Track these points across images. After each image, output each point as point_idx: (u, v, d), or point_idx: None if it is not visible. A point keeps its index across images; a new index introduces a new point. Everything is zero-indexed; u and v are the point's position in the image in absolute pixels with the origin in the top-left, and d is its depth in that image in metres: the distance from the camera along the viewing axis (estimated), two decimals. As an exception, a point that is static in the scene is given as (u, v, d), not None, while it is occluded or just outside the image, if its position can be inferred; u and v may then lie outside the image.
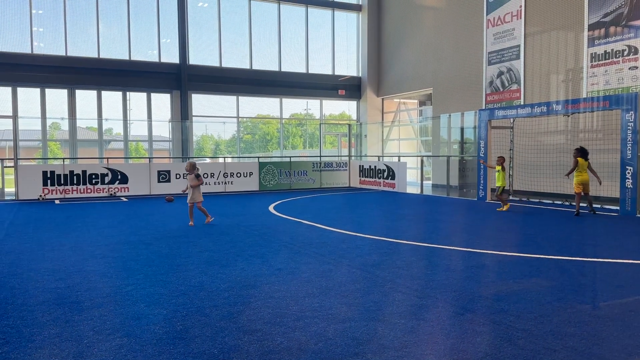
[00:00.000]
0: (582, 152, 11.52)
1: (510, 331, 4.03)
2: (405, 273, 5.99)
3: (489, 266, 6.42)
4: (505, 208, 12.38)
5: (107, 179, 16.25)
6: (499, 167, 12.58)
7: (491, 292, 5.16)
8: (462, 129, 18.76)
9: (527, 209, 12.91)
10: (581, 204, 11.72)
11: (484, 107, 17.61)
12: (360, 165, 20.18)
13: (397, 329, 4.06)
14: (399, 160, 19.18)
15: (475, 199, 15.10)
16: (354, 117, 25.00)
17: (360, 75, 24.45)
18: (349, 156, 22.66)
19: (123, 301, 4.90)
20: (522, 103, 16.21)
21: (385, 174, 18.71)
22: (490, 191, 14.13)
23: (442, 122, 20.08)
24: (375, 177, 19.24)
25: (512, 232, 9.55)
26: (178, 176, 17.17)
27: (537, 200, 14.31)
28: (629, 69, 13.38)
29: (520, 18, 16.56)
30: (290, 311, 4.53)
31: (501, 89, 17.49)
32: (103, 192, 16.18)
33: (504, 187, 12.60)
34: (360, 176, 19.99)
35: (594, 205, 11.90)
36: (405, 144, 24.37)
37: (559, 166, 14.17)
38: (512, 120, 15.34)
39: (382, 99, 24.27)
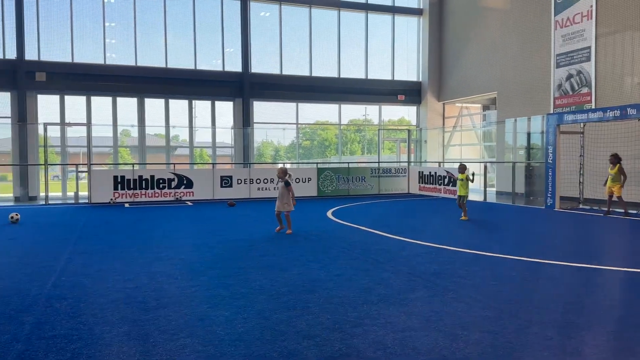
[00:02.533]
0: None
1: (580, 346, 3.82)
2: (467, 283, 5.82)
3: (557, 277, 6.13)
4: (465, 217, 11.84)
5: (173, 184, 16.88)
6: (464, 176, 12.13)
7: (559, 305, 4.91)
8: (528, 134, 18.06)
9: (596, 218, 12.24)
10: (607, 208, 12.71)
11: (552, 112, 16.88)
12: (419, 172, 19.86)
13: (459, 341, 3.94)
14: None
15: (543, 207, 14.49)
16: (414, 122, 24.68)
17: (420, 79, 24.13)
18: (408, 162, 22.37)
19: (187, 302, 5.05)
20: (593, 107, 15.41)
21: (446, 180, 18.31)
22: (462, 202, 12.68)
23: (507, 127, 19.43)
24: (435, 184, 18.87)
25: (581, 241, 9.07)
26: (239, 181, 17.57)
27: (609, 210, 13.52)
28: None
29: (591, 18, 15.78)
30: (348, 318, 4.50)
31: (570, 93, 16.72)
32: (169, 196, 16.82)
33: (464, 196, 12.08)
34: (419, 182, 19.68)
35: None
36: (468, 150, 23.76)
37: (634, 174, 13.35)
38: (582, 125, 14.62)
39: (444, 103, 23.81)
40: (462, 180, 12.07)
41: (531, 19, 18.28)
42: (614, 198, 12.49)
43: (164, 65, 20.34)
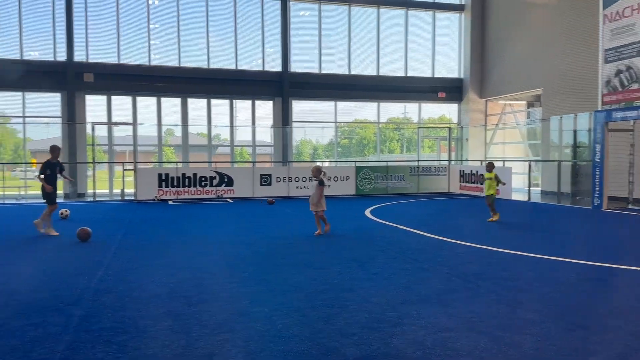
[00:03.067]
0: None
1: (627, 350, 3.68)
2: (510, 285, 5.69)
3: (604, 280, 5.92)
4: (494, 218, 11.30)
5: (215, 182, 17.21)
6: (492, 175, 11.51)
7: (606, 309, 4.74)
8: (575, 132, 17.46)
9: (650, 219, 11.73)
10: None
11: (600, 109, 16.28)
12: (460, 170, 19.53)
13: (500, 343, 3.87)
14: (503, 165, 18.28)
15: (590, 208, 14.00)
16: (455, 120, 24.27)
17: (462, 76, 23.70)
18: (449, 161, 22.03)
19: (228, 297, 5.15)
20: (645, 103, 14.75)
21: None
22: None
23: (552, 125, 18.84)
24: (477, 183, 18.50)
25: (629, 243, 8.72)
26: (279, 179, 17.74)
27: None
28: None
29: (644, 10, 15.09)
30: (387, 317, 4.48)
31: (620, 89, 16.05)
32: (211, 193, 17.15)
33: (492, 195, 11.44)
34: (460, 181, 19.34)
35: None
36: (511, 148, 23.19)
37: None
38: (632, 122, 14.02)
39: (486, 100, 23.31)
40: (489, 179, 11.54)
41: (578, 13, 17.66)
42: None
43: (206, 66, 20.73)
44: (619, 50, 16.10)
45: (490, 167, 11.72)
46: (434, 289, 5.44)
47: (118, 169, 19.81)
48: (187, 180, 16.97)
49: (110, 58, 19.81)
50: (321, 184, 9.33)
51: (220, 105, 21.38)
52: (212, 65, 20.81)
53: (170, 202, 16.18)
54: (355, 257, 7.27)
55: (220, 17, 20.97)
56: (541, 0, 19.65)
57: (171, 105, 20.80)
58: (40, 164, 9.50)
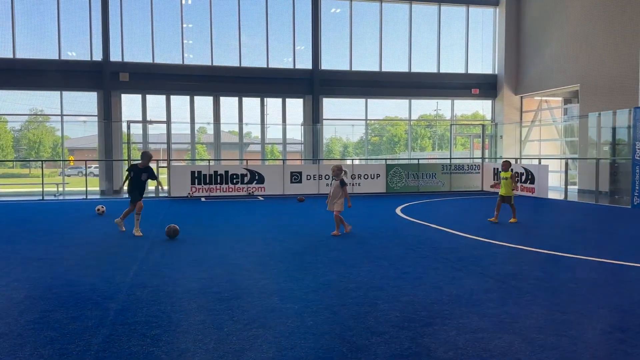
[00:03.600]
0: None
1: (672, 358, 3.54)
2: (545, 285, 5.56)
3: (645, 283, 5.72)
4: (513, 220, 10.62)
5: (246, 179, 17.38)
6: (508, 174, 10.74)
7: (648, 312, 4.58)
8: (614, 129, 16.92)
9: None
10: None
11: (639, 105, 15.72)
12: (494, 168, 19.17)
13: (534, 345, 3.78)
14: (539, 162, 17.86)
15: (629, 207, 13.55)
16: (488, 117, 23.84)
17: (496, 72, 23.26)
18: (482, 158, 21.66)
19: (259, 294, 5.19)
20: (689, 99, 14.18)
21: (524, 177, 17.55)
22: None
23: (590, 122, 18.31)
24: (510, 181, 18.12)
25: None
26: (309, 177, 17.79)
27: None
28: None
29: (689, 2, 14.51)
30: (418, 316, 4.44)
31: (663, 84, 15.46)
32: (242, 191, 17.33)
33: (509, 196, 10.67)
34: (494, 180, 19.00)
35: None
36: (547, 146, 22.64)
37: None
38: (676, 118, 13.50)
39: (521, 97, 22.81)
40: (505, 179, 10.78)
41: (617, 8, 17.08)
42: None
43: (237, 65, 20.93)
44: (661, 44, 15.51)
45: (506, 165, 11.02)
46: (466, 289, 5.36)
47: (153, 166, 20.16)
48: (219, 177, 17.19)
49: (144, 57, 20.22)
50: (343, 184, 8.92)
51: (251, 103, 21.57)
52: (244, 64, 21.00)
53: (203, 199, 16.42)
54: (386, 255, 7.23)
55: (252, 16, 21.14)
56: (579, -6, 19.09)
57: (203, 103, 21.10)
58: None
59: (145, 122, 20.29)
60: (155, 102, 20.69)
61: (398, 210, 13.02)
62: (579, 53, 19.07)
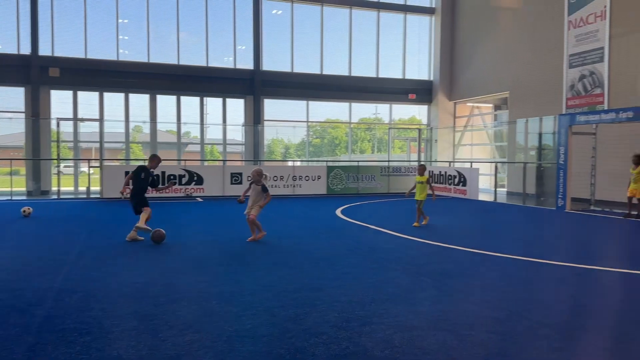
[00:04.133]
0: None
1: (589, 348, 3.79)
2: (476, 283, 5.80)
3: (567, 279, 6.09)
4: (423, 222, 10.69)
5: (184, 180, 16.98)
6: (425, 178, 10.69)
7: (568, 307, 4.88)
8: (540, 135, 17.91)
9: (607, 219, 12.12)
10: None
11: (564, 112, 16.74)
12: (430, 171, 19.79)
13: (466, 341, 3.93)
14: (471, 166, 18.62)
15: (554, 208, 14.38)
16: (424, 121, 24.59)
17: (432, 78, 24.03)
18: (419, 161, 22.28)
19: (196, 297, 5.08)
20: (605, 108, 15.26)
21: (456, 180, 18.23)
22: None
23: (518, 127, 19.28)
24: (445, 183, 18.80)
25: (593, 244, 9.00)
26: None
27: (621, 212, 13.39)
28: None
29: (605, 19, 15.61)
30: (356, 316, 4.51)
31: (583, 93, 16.56)
32: (180, 192, 16.91)
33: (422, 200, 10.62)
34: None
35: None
36: (478, 150, 23.63)
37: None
38: (594, 126, 14.47)
39: (455, 103, 23.70)
40: (421, 183, 10.63)
41: (544, 19, 18.12)
42: (634, 201, 12.27)
43: (176, 62, 20.43)
44: (582, 56, 16.61)
45: (422, 169, 10.88)
46: (402, 288, 5.50)
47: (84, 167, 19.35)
48: (155, 178, 16.65)
49: (77, 52, 19.34)
50: (265, 189, 8.57)
51: (190, 103, 21.12)
52: (182, 62, 20.53)
53: (138, 201, 15.86)
54: (326, 256, 7.28)
55: (191, 14, 20.71)
56: (509, 6, 20.09)
57: (139, 101, 20.43)
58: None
59: (76, 119, 19.39)
60: (88, 99, 19.82)
61: (338, 212, 13.16)
62: (508, 62, 20.05)
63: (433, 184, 18.82)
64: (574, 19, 16.86)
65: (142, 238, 8.67)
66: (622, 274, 6.36)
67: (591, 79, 16.25)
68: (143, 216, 8.65)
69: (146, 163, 9.52)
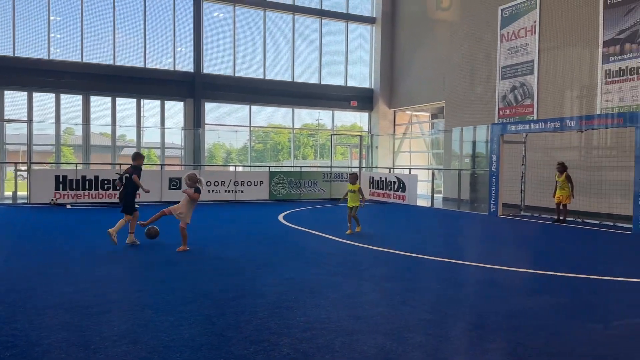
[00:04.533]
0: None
1: (520, 348, 3.97)
2: (414, 286, 5.94)
3: (500, 282, 6.35)
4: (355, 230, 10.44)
5: (118, 186, 16.33)
6: (357, 187, 10.45)
7: (502, 309, 5.09)
8: (474, 143, 18.68)
9: (539, 225, 12.78)
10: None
11: (496, 122, 17.53)
12: (370, 177, 20.14)
13: (405, 344, 4.01)
14: (409, 172, 19.12)
15: (486, 214, 15.00)
16: (366, 128, 25.02)
17: (372, 87, 24.50)
18: (360, 167, 22.62)
19: (131, 307, 4.90)
20: (535, 118, 16.12)
21: (396, 186, 18.65)
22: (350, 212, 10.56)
23: (454, 136, 20.02)
24: (385, 189, 19.18)
25: (523, 248, 9.44)
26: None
27: (549, 217, 14.16)
28: (644, 86, 13.25)
29: (535, 33, 16.52)
30: (297, 322, 4.50)
31: (514, 104, 17.41)
32: (114, 197, 16.27)
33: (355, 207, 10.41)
34: (370, 188, 19.94)
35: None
36: (417, 157, 24.30)
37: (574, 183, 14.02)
38: (524, 135, 15.25)
39: (394, 111, 24.27)
40: (352, 192, 10.43)
41: (479, 32, 18.94)
42: (561, 206, 12.99)
43: (111, 63, 19.71)
44: (514, 68, 17.48)
45: (354, 178, 10.65)
46: (343, 293, 5.54)
47: (10, 169, 18.26)
48: (87, 182, 15.98)
49: (4, 50, 18.24)
50: (198, 190, 8.24)
51: (126, 105, 20.41)
52: (119, 62, 19.83)
53: (69, 206, 15.16)
54: (268, 262, 7.23)
55: (129, 12, 20.05)
56: (446, 18, 20.84)
57: (72, 102, 19.53)
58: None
59: (2, 120, 18.25)
60: (15, 99, 18.73)
61: (280, 217, 13.11)
62: (444, 72, 20.79)
63: (374, 190, 19.12)
64: (506, 33, 17.72)
65: (139, 242, 8.51)
66: (555, 276, 6.71)
67: (522, 90, 17.12)
68: (120, 222, 8.41)
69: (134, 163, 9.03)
